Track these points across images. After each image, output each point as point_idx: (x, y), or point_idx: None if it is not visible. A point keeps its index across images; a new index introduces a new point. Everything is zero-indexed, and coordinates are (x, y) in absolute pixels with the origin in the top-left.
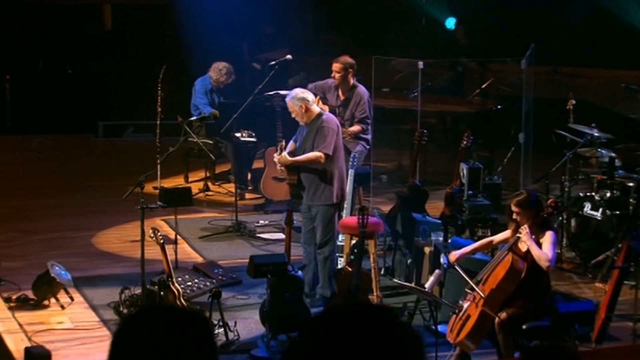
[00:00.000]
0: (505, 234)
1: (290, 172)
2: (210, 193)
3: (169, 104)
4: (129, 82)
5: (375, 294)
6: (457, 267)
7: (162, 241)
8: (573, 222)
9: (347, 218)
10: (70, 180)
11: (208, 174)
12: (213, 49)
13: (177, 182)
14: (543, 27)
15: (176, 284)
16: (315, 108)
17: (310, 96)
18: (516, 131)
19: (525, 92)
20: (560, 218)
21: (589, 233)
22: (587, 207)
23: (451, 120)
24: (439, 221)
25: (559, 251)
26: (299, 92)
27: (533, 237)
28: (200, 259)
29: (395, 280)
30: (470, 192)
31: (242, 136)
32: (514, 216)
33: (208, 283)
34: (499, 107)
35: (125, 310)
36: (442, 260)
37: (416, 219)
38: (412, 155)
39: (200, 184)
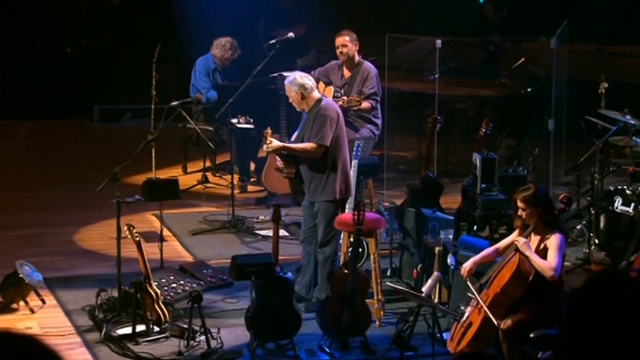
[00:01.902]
0: (512, 237)
1: (287, 164)
2: (209, 185)
3: (171, 86)
4: (129, 62)
5: (376, 297)
6: (468, 281)
7: (137, 239)
8: (602, 219)
9: (345, 214)
10: (58, 171)
11: (208, 164)
12: (224, 25)
13: (174, 172)
14: (586, 1)
15: (154, 286)
16: (315, 94)
17: (309, 82)
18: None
19: (556, 74)
20: (588, 215)
21: (620, 231)
22: (618, 202)
23: (473, 104)
24: (451, 217)
25: (587, 251)
26: (297, 76)
27: (538, 238)
28: (190, 258)
29: (388, 284)
30: (483, 185)
31: (238, 122)
32: (519, 212)
33: (195, 285)
34: (528, 89)
35: (100, 315)
36: (449, 261)
37: (425, 215)
38: (425, 143)
39: (199, 175)
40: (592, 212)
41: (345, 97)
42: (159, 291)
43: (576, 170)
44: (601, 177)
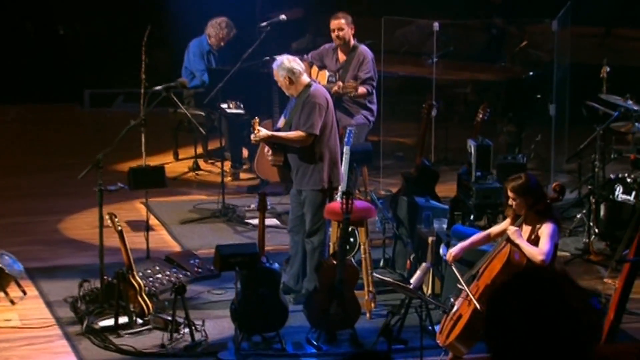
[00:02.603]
0: (505, 224)
1: (275, 152)
2: (200, 172)
3: (165, 70)
4: (122, 45)
5: (366, 289)
6: (453, 266)
7: (120, 228)
8: (603, 208)
9: (334, 203)
10: (45, 157)
11: (200, 151)
12: (220, 7)
13: (165, 159)
14: None
15: (137, 277)
16: (304, 79)
17: (298, 66)
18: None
19: (558, 58)
20: (588, 204)
21: (621, 220)
22: (619, 191)
23: (473, 89)
24: (446, 206)
25: (587, 241)
26: (285, 60)
27: (530, 227)
28: (178, 248)
29: (376, 275)
30: (478, 173)
31: (228, 107)
32: (510, 202)
33: (181, 276)
34: (530, 74)
35: (83, 307)
36: (441, 251)
37: (419, 204)
38: (420, 130)
39: (190, 162)
40: (592, 200)
41: (340, 83)
42: (142, 282)
43: (578, 158)
44: (602, 165)
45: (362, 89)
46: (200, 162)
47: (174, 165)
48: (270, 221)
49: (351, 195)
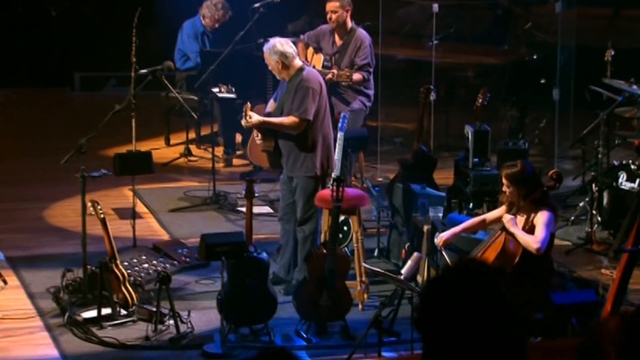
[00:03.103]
0: (500, 211)
1: (266, 137)
2: (192, 158)
3: (159, 52)
4: (113, 26)
5: (358, 279)
6: (443, 251)
7: (102, 216)
8: (606, 196)
9: (326, 190)
10: (33, 142)
11: (192, 136)
12: None
13: (156, 144)
14: None
15: (121, 267)
16: (296, 63)
17: (291, 50)
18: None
19: (562, 40)
20: (590, 191)
21: (625, 208)
22: (623, 178)
23: (474, 72)
24: (442, 194)
25: (589, 230)
26: (277, 43)
27: (525, 216)
28: (166, 237)
29: (364, 265)
30: (475, 159)
31: (219, 91)
32: (504, 188)
33: (168, 265)
34: (534, 57)
35: (65, 297)
36: (436, 240)
37: (414, 192)
38: (418, 115)
39: (182, 148)
40: (595, 188)
41: (335, 71)
42: (125, 272)
43: (581, 144)
44: (605, 151)
45: (358, 76)
46: (193, 147)
47: (165, 150)
48: (263, 209)
49: (342, 182)
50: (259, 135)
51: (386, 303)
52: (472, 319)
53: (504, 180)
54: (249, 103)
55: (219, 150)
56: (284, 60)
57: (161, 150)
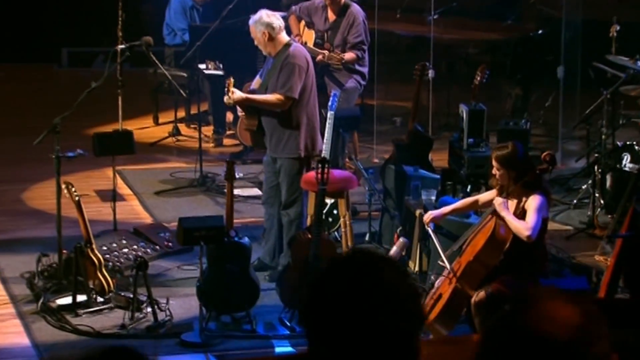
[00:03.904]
0: (492, 193)
1: (249, 115)
2: (181, 138)
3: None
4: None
5: None
6: (431, 233)
7: (77, 198)
8: (609, 178)
9: (311, 172)
10: (16, 120)
11: (182, 114)
12: None
13: (145, 123)
14: None
15: (96, 252)
16: (283, 37)
17: (277, 22)
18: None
19: (567, 14)
20: (593, 174)
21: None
22: (626, 160)
23: (475, 48)
24: (437, 176)
25: (591, 214)
26: (264, 14)
27: (516, 200)
28: (150, 220)
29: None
30: (470, 140)
31: (207, 68)
32: (494, 171)
33: (149, 250)
34: (539, 32)
35: (40, 283)
36: (424, 216)
37: (407, 173)
38: (414, 93)
39: (171, 127)
40: (597, 170)
41: (326, 52)
42: (102, 257)
43: (586, 124)
44: (609, 132)
45: (351, 55)
46: (182, 126)
47: (154, 129)
48: (252, 191)
49: (327, 164)
50: (243, 113)
51: None
52: (355, 312)
53: (494, 163)
54: (231, 78)
55: (209, 130)
56: (271, 32)
57: (150, 130)
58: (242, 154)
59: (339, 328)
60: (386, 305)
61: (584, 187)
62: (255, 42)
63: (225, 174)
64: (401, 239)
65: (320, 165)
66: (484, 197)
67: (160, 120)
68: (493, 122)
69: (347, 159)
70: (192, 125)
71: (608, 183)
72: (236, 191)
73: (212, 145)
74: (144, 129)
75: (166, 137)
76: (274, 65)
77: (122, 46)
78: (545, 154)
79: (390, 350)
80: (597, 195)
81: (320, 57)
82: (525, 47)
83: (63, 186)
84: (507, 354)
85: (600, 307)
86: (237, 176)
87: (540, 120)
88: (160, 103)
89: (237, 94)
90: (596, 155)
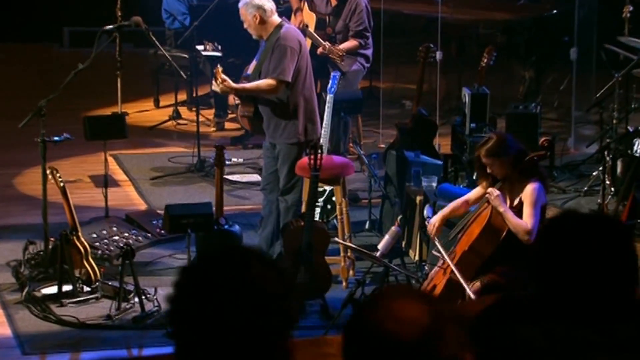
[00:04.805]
0: (480, 190)
1: (245, 102)
2: (182, 121)
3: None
4: None
5: (342, 255)
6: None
7: (62, 184)
8: (619, 165)
9: (305, 158)
10: (12, 103)
11: (183, 97)
12: None
13: (145, 106)
14: None
15: (83, 239)
16: (275, 19)
17: (269, 4)
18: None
19: None
20: (603, 160)
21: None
22: (638, 145)
23: (485, 28)
24: (439, 162)
25: (600, 202)
26: None
27: (513, 188)
28: (144, 206)
29: (337, 240)
30: (473, 125)
31: (205, 49)
32: (488, 169)
33: (141, 238)
34: (553, 12)
35: (26, 272)
36: (425, 212)
37: (408, 159)
38: (418, 76)
39: (172, 110)
40: (607, 156)
41: (327, 44)
42: (88, 245)
43: (599, 108)
44: (621, 116)
45: (353, 43)
46: (183, 109)
47: (154, 112)
48: (252, 177)
49: (320, 149)
50: (239, 99)
51: (362, 281)
52: (217, 309)
53: (485, 159)
54: (219, 66)
55: (210, 113)
56: (262, 14)
57: (150, 112)
58: (244, 138)
59: (201, 326)
60: (251, 303)
61: (594, 173)
62: (245, 25)
63: (215, 160)
64: (393, 228)
65: (312, 151)
66: (473, 195)
67: (162, 103)
68: (505, 106)
69: (350, 144)
70: (194, 109)
71: (619, 170)
72: (234, 177)
73: (213, 129)
74: (145, 112)
75: (166, 121)
76: (266, 48)
77: (111, 26)
78: (543, 139)
79: (256, 350)
80: (607, 182)
81: (321, 49)
82: (540, 27)
83: (48, 172)
84: (360, 353)
85: (505, 302)
86: (236, 161)
87: (555, 104)
88: (161, 85)
89: (227, 84)
90: (608, 140)
